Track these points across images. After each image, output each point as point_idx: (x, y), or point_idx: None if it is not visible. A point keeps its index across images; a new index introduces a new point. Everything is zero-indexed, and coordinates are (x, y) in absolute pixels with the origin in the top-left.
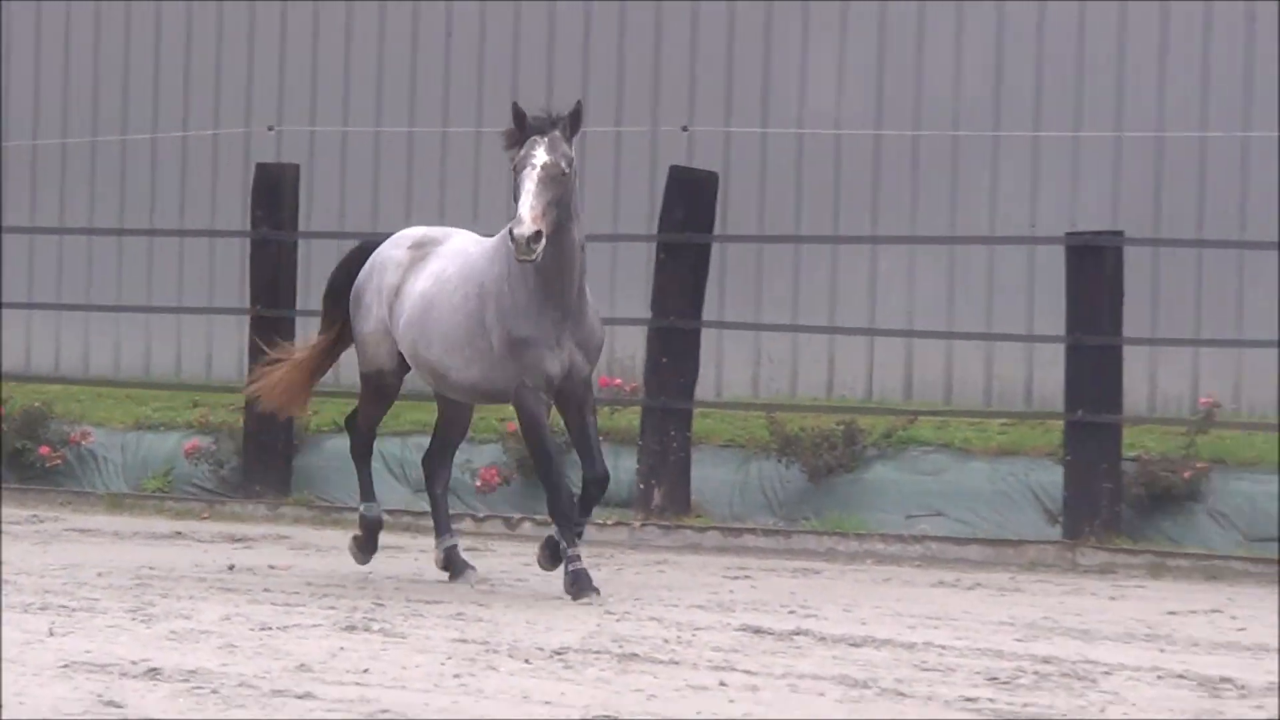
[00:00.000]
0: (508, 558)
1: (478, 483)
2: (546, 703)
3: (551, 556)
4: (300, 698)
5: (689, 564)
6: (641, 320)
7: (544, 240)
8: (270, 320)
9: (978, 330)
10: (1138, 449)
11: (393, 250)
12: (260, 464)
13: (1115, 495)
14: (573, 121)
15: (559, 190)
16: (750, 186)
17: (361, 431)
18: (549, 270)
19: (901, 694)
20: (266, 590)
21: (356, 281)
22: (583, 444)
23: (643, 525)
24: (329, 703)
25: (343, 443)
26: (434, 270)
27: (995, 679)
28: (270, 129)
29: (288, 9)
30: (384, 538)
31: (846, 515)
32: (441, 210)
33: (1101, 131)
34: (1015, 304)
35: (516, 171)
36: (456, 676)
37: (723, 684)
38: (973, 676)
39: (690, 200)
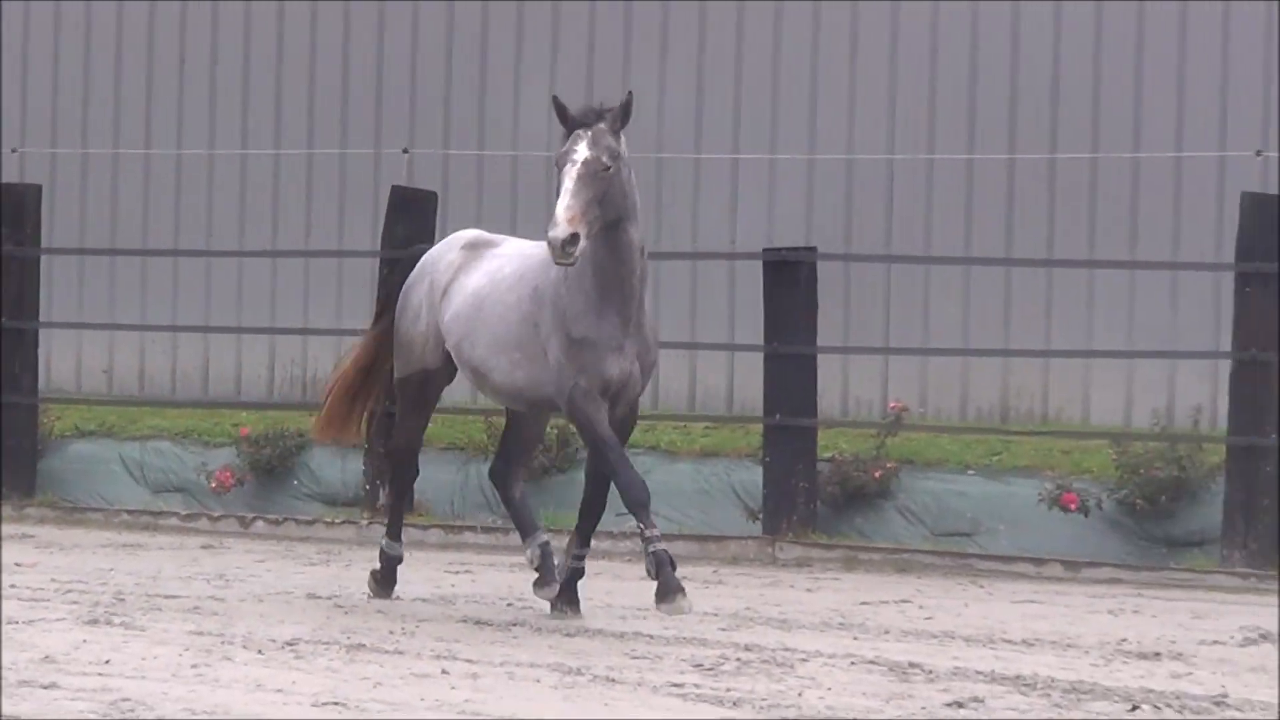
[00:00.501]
0: (241, 554)
1: (213, 484)
2: (278, 691)
3: (657, 564)
4: (45, 688)
5: (413, 560)
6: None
7: (582, 242)
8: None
9: (682, 340)
10: (832, 450)
11: (445, 251)
12: (7, 467)
13: (811, 493)
14: (622, 114)
15: (601, 188)
16: (469, 205)
17: (401, 450)
18: (607, 273)
19: (613, 680)
20: (13, 587)
21: (406, 283)
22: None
23: (369, 523)
24: (72, 692)
25: (87, 447)
26: (489, 269)
27: (700, 665)
28: (14, 151)
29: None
30: (123, 536)
31: (561, 514)
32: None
33: (796, 154)
34: (717, 315)
35: (557, 168)
36: (194, 667)
37: (445, 672)
38: (679, 664)
39: (411, 218)
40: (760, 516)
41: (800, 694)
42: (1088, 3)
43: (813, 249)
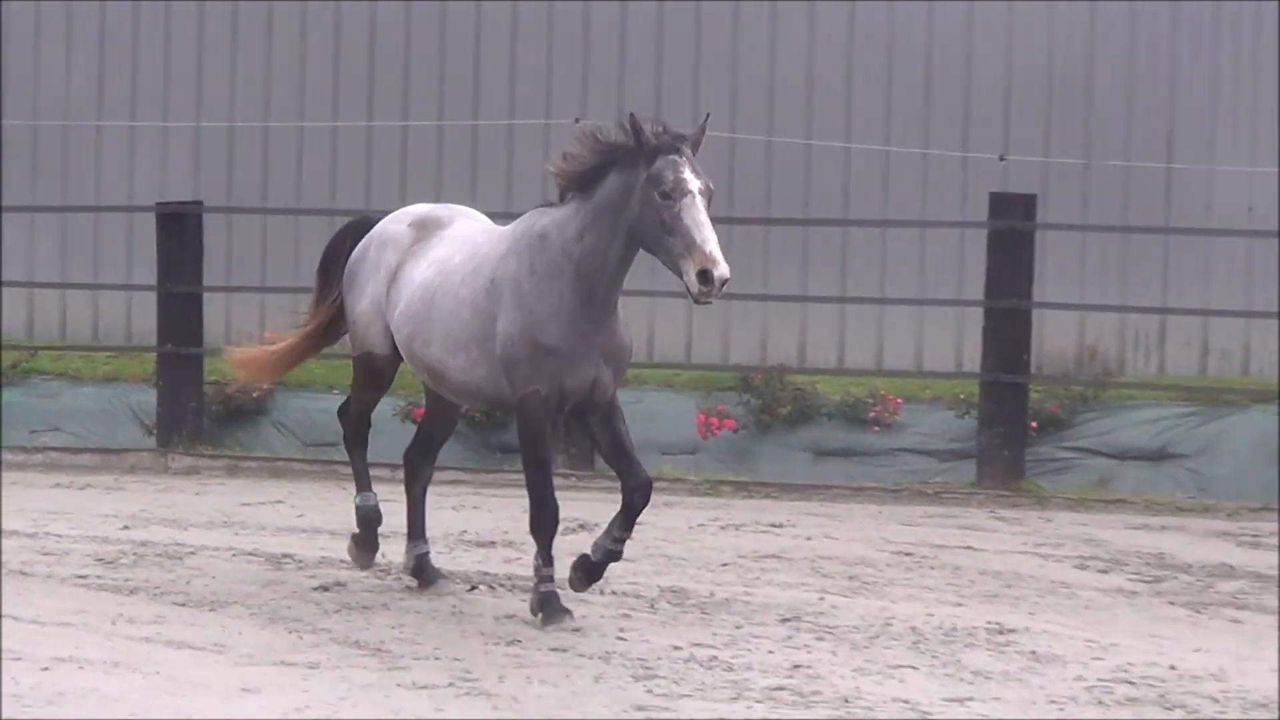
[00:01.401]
0: None
1: None
2: None
3: (586, 576)
4: None
5: None
6: None
7: None
8: None
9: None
10: (217, 375)
11: (393, 226)
12: None
13: (199, 412)
14: (698, 140)
15: None
16: None
17: (354, 418)
18: (598, 281)
19: (25, 574)
20: None
21: (351, 258)
22: (620, 454)
23: None
24: None
25: None
26: (437, 257)
27: (103, 559)
28: None
29: None
30: None
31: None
32: None
33: (185, 121)
34: (116, 261)
35: (665, 197)
36: None
37: None
38: (84, 558)
39: None
40: (155, 432)
41: (189, 582)
42: None
43: (199, 203)
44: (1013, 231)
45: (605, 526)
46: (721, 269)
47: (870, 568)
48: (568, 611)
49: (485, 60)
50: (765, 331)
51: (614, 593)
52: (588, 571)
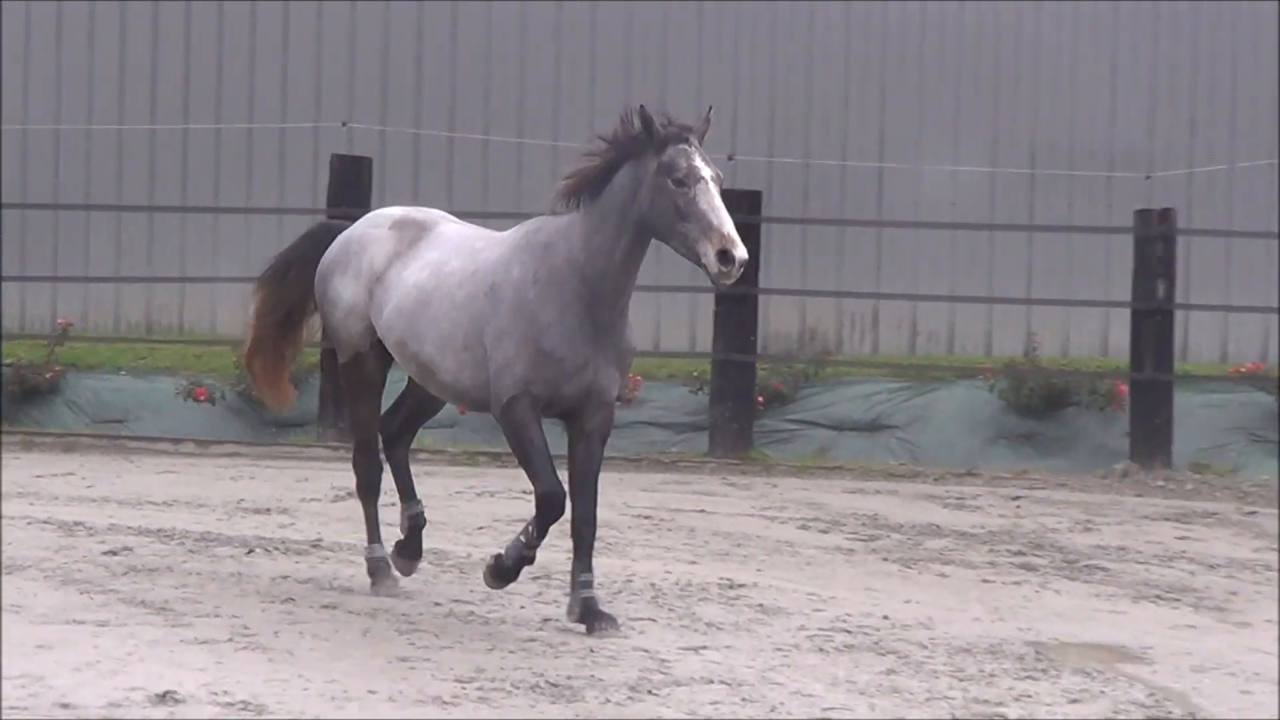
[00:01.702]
0: None
1: None
2: None
3: (498, 574)
4: None
5: None
6: None
7: None
8: None
9: None
10: (12, 358)
11: (372, 230)
12: None
13: None
14: (704, 132)
15: None
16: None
17: (364, 433)
18: (605, 284)
19: None
20: None
21: (326, 263)
22: (585, 478)
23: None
24: None
25: None
26: (431, 260)
27: None
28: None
29: None
30: None
31: None
32: None
33: None
34: None
35: (679, 184)
36: None
37: None
38: None
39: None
40: None
41: None
42: None
43: None
44: (741, 225)
45: (523, 527)
46: (740, 250)
47: (613, 530)
48: (613, 618)
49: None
50: None
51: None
52: (499, 574)
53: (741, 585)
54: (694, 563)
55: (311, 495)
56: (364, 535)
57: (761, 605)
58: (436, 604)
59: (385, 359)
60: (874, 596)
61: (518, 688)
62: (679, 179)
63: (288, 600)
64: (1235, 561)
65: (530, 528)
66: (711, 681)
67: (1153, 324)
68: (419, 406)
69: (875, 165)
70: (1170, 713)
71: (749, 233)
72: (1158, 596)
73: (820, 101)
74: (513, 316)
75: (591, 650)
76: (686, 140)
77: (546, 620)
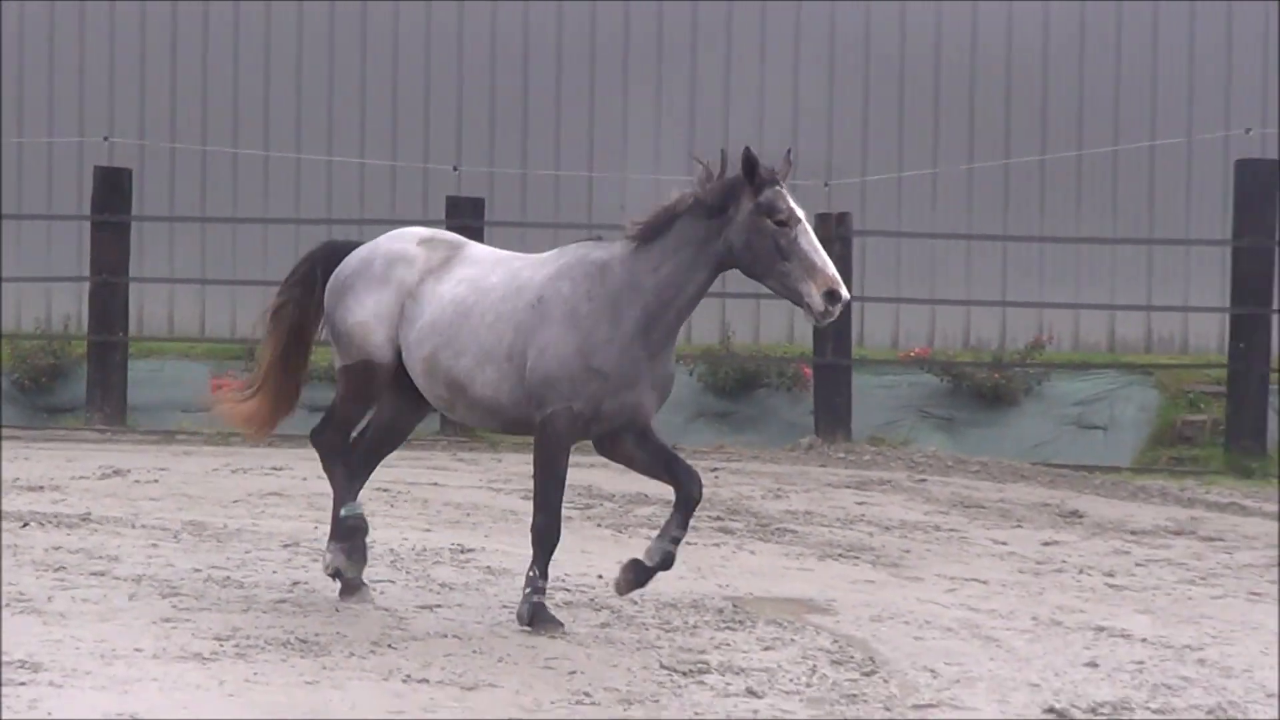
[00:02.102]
0: None
1: None
2: None
3: (635, 580)
4: None
5: None
6: None
7: None
8: None
9: None
10: None
11: (401, 245)
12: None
13: None
14: (787, 173)
15: None
16: None
17: (336, 434)
18: (666, 309)
19: None
20: None
21: (342, 274)
22: (668, 459)
23: None
24: None
25: None
26: (469, 276)
27: None
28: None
29: None
30: None
31: None
32: None
33: None
34: None
35: (781, 224)
36: None
37: None
38: None
39: None
40: None
41: None
42: None
43: None
44: (465, 228)
45: (660, 530)
46: (845, 291)
47: None
48: (558, 621)
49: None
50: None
51: (143, 526)
52: (637, 575)
53: (471, 550)
54: (428, 530)
55: (81, 474)
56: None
57: (489, 567)
58: (196, 570)
59: (397, 371)
60: (589, 558)
61: (270, 644)
62: (781, 220)
63: (59, 569)
64: (908, 524)
65: (531, 571)
66: (445, 636)
67: None
68: (384, 441)
69: (585, 174)
70: (852, 656)
71: (474, 236)
72: (840, 555)
73: (538, 116)
74: (562, 331)
75: (337, 610)
76: (778, 183)
77: (296, 583)
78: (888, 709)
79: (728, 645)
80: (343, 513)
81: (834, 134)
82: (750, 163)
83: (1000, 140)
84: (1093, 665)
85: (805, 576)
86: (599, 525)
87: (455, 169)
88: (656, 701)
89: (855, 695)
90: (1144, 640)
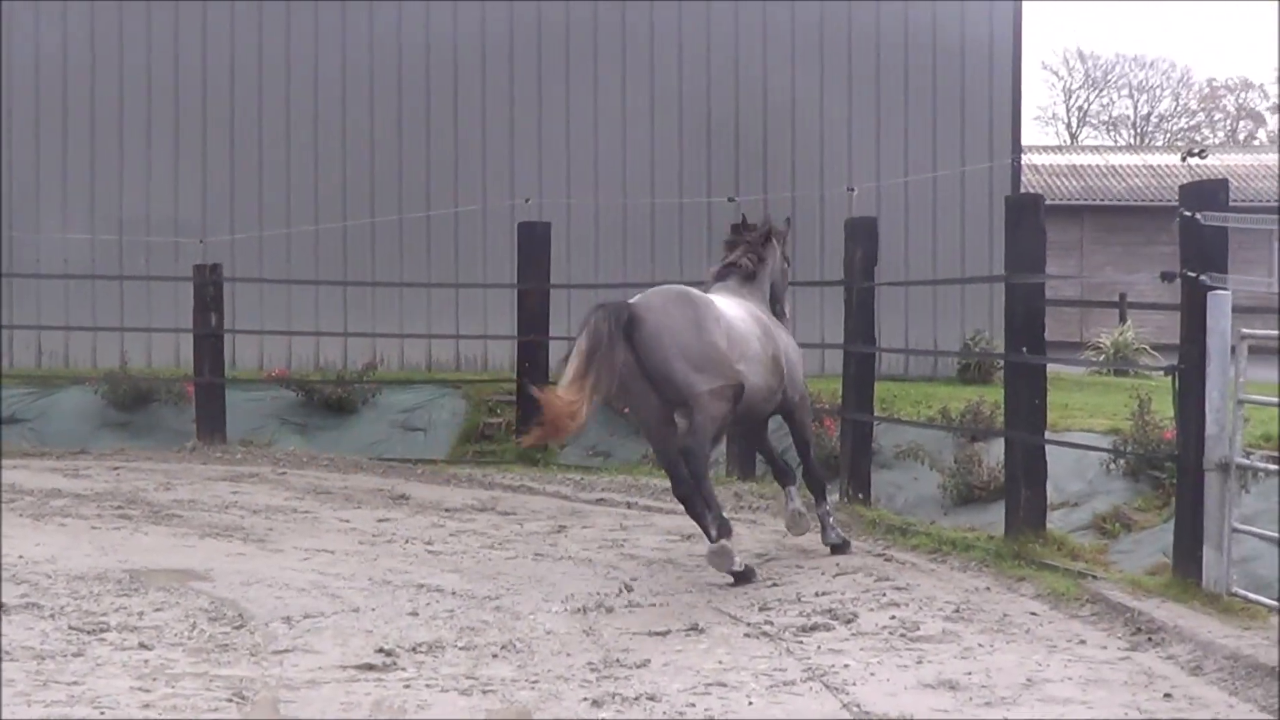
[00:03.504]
0: None
1: None
2: None
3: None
4: None
5: None
6: None
7: None
8: None
9: None
10: None
11: (694, 292)
12: None
13: None
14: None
15: None
16: None
17: (707, 457)
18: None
19: None
20: None
21: (660, 321)
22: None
23: None
24: None
25: None
26: (730, 313)
27: None
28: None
29: None
30: None
31: None
32: None
33: None
34: None
35: (788, 261)
36: None
37: None
38: None
39: None
40: None
41: None
42: None
43: None
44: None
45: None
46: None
47: None
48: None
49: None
50: None
51: None
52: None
53: None
54: None
55: None
56: None
57: None
58: None
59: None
60: (10, 543)
61: None
62: (787, 257)
63: None
64: (271, 507)
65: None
66: None
67: (208, 344)
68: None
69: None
70: (225, 614)
71: None
72: (218, 534)
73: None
74: (784, 346)
75: None
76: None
77: None
78: (253, 654)
79: (124, 609)
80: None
81: (207, 199)
82: (769, 222)
83: (339, 205)
84: (414, 614)
85: (189, 552)
86: (20, 515)
87: None
88: (65, 657)
89: (228, 645)
90: (454, 593)
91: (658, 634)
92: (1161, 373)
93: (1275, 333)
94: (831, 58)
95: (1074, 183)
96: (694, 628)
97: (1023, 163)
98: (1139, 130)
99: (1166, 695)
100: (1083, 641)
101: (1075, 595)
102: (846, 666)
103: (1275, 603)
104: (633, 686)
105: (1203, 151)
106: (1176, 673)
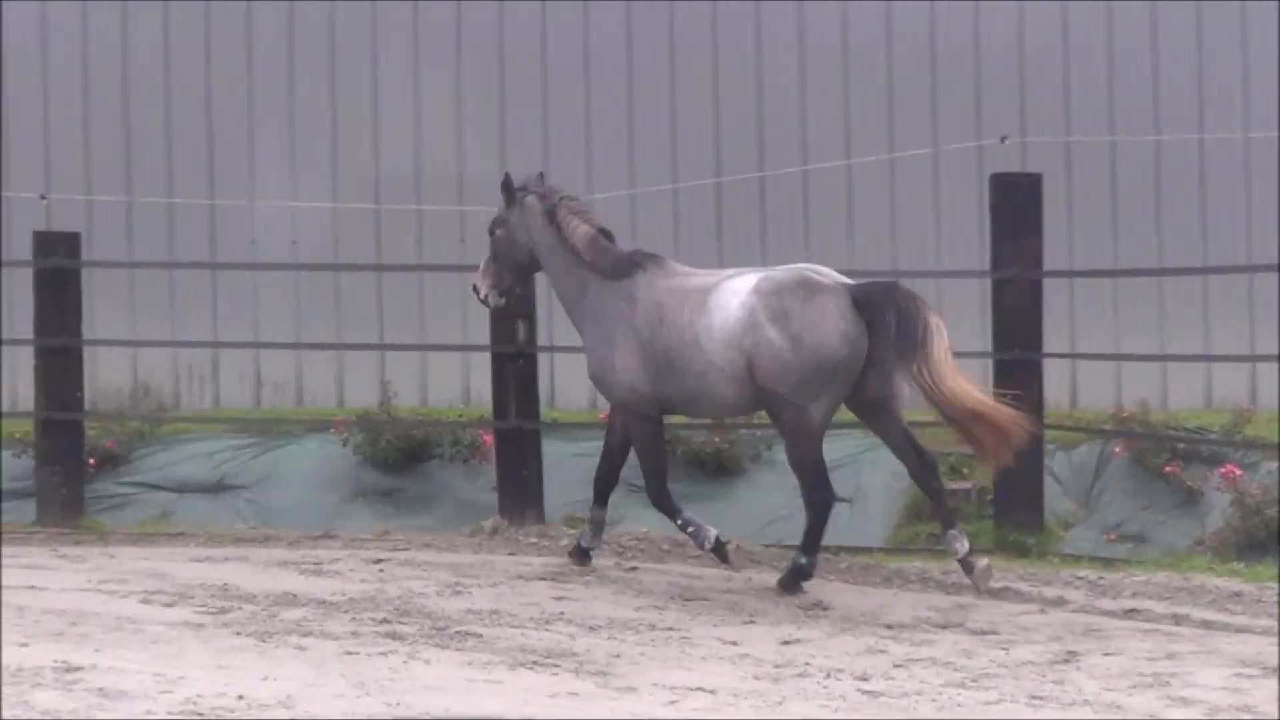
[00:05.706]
0: None
1: None
2: None
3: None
4: None
5: None
6: None
7: None
8: None
9: None
10: None
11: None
12: None
13: None
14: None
15: None
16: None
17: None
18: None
19: None
20: None
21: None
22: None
23: None
24: None
25: None
26: None
27: None
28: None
29: None
30: None
31: None
32: None
33: None
34: None
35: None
36: None
37: None
38: None
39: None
40: None
41: None
42: None
43: None
44: (58, 270)
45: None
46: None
47: None
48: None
49: None
50: None
51: None
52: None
53: (79, 668)
54: (25, 645)
55: None
56: None
57: (102, 689)
58: None
59: None
60: (228, 674)
61: None
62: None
63: None
64: (616, 622)
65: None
66: None
67: (515, 368)
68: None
69: (205, 202)
70: None
71: (68, 278)
72: (535, 662)
73: (140, 133)
74: None
75: None
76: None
77: None
78: None
79: None
80: (804, 561)
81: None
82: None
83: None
84: None
85: (493, 689)
86: (238, 633)
87: (43, 197)
88: None
89: None
90: None
91: None
92: None
93: None
94: None
95: None
96: None
97: None
98: None
99: None
100: None
101: None
102: None
103: None
104: None
105: None
106: None
